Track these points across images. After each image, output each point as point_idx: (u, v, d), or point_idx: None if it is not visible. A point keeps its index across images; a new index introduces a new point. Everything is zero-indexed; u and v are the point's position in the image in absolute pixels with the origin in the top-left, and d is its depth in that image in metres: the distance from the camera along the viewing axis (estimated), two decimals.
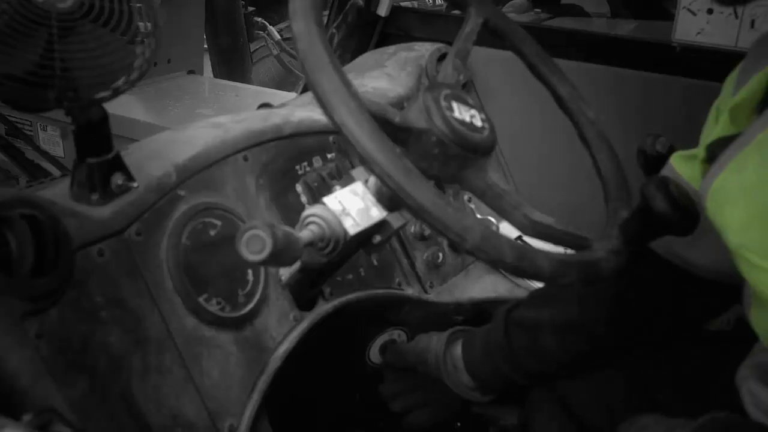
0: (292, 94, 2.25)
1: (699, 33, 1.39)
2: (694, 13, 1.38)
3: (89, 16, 0.86)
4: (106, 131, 0.93)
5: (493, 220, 1.43)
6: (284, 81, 3.69)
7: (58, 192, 0.95)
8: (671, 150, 1.07)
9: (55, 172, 2.16)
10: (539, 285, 1.41)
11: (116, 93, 0.89)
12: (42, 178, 2.12)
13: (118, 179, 0.96)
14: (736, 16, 1.35)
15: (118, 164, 0.96)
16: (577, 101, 1.04)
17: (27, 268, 0.81)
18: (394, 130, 0.82)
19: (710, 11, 1.37)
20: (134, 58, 0.89)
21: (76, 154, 0.94)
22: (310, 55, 0.74)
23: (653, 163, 0.98)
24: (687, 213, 0.86)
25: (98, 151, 0.94)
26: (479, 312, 1.42)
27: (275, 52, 3.72)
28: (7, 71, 0.81)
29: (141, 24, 0.91)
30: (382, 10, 1.69)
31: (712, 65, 1.39)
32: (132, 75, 0.88)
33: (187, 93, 2.53)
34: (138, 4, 0.90)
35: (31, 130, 2.44)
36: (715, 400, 0.92)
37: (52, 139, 2.43)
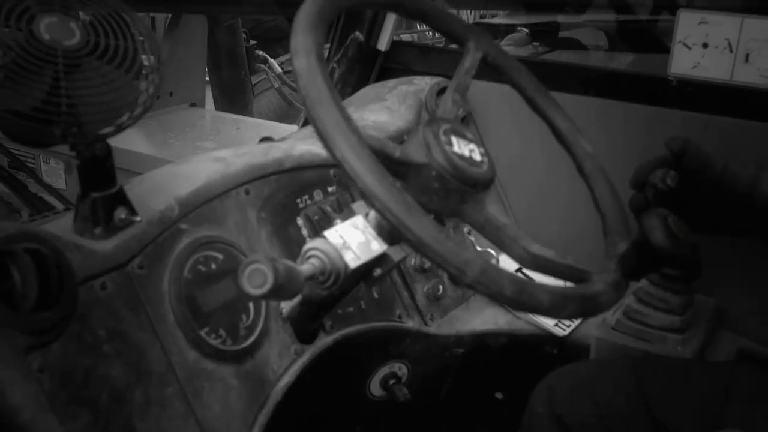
0: (293, 127, 2.27)
1: (695, 67, 1.41)
2: (689, 48, 1.40)
3: (95, 53, 0.88)
4: (110, 166, 0.94)
5: (493, 252, 1.44)
6: (285, 113, 3.72)
7: (61, 226, 0.96)
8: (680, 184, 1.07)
9: (57, 204, 2.17)
10: (540, 318, 1.41)
11: (119, 129, 0.90)
12: (44, 210, 2.13)
13: (121, 213, 0.96)
14: (731, 51, 1.37)
15: (122, 198, 0.97)
16: (575, 135, 1.05)
17: (30, 303, 0.82)
18: (394, 165, 0.84)
19: (705, 45, 1.39)
20: (138, 94, 0.90)
21: (80, 188, 0.95)
22: (311, 91, 0.75)
23: (662, 196, 0.98)
24: (685, 246, 0.87)
25: (102, 185, 0.95)
26: (480, 344, 1.43)
27: (276, 85, 3.75)
28: (13, 107, 0.82)
29: (145, 60, 0.92)
30: (382, 45, 1.71)
31: (709, 98, 1.41)
32: (136, 111, 0.90)
33: (189, 126, 2.56)
34: (142, 40, 0.92)
35: (33, 163, 2.46)
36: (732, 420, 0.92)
37: (55, 171, 2.44)
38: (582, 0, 2.45)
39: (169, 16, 2.79)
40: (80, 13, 0.91)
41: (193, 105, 2.78)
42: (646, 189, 1.00)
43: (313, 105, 0.74)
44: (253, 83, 3.68)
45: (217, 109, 3.31)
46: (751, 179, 0.96)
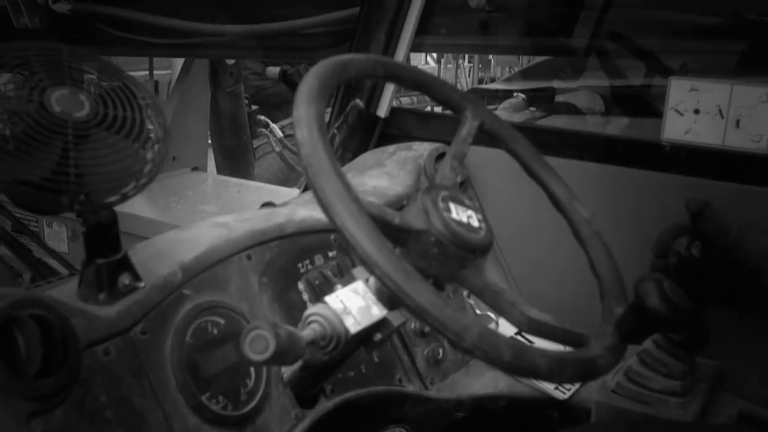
0: (294, 191, 2.30)
1: (687, 132, 1.44)
2: (681, 114, 1.44)
3: (103, 124, 0.90)
4: (115, 233, 0.96)
5: (492, 315, 1.44)
6: (286, 177, 3.76)
7: (66, 291, 0.97)
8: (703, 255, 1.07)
9: (59, 268, 2.19)
10: (540, 382, 1.41)
11: (125, 198, 0.92)
12: (46, 273, 2.15)
13: (125, 279, 0.98)
14: (722, 116, 1.41)
15: (126, 264, 0.98)
16: (571, 200, 1.08)
17: (34, 369, 0.83)
18: (393, 231, 0.86)
19: (697, 111, 1.43)
20: (144, 163, 0.93)
21: (85, 254, 0.97)
22: (312, 160, 0.77)
23: (685, 266, 0.99)
24: (681, 311, 0.88)
25: (107, 252, 0.96)
26: (480, 408, 1.42)
27: (277, 149, 3.81)
28: (23, 177, 0.85)
29: (152, 130, 0.95)
30: (382, 111, 1.75)
31: (702, 163, 1.44)
32: (141, 180, 0.92)
33: (191, 189, 2.59)
34: (149, 112, 0.95)
35: (36, 227, 2.48)
36: None
37: (57, 235, 2.46)
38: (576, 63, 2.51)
39: (173, 79, 2.85)
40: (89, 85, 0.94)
41: (195, 169, 2.82)
42: (669, 256, 1.00)
43: (314, 175, 0.76)
44: (254, 147, 3.73)
45: (219, 172, 3.35)
46: (764, 250, 0.98)
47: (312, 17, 2.07)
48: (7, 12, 2.41)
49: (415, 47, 1.74)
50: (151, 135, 0.95)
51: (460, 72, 10.38)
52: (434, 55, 10.30)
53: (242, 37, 2.25)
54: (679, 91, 1.44)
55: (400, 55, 1.71)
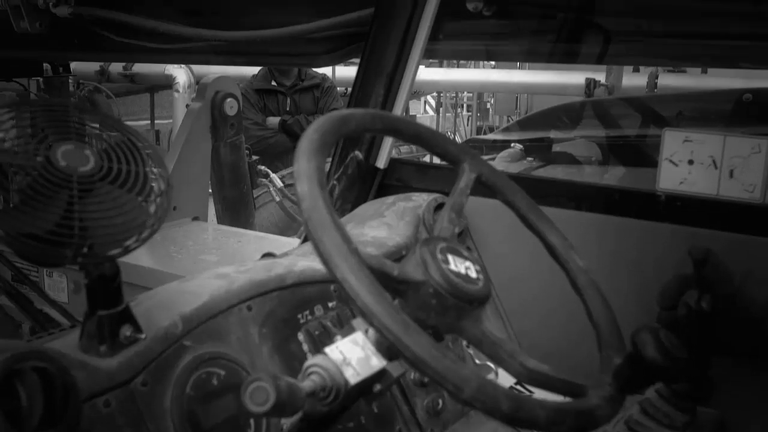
0: (294, 241, 2.31)
1: (682, 182, 1.46)
2: (675, 164, 1.46)
3: (107, 178, 0.92)
4: (118, 285, 0.97)
5: (491, 365, 1.45)
6: (287, 226, 3.78)
7: (67, 343, 0.98)
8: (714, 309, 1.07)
9: (59, 318, 2.19)
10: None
11: (127, 251, 0.93)
12: (46, 323, 2.15)
13: (126, 330, 0.99)
14: (716, 167, 1.43)
15: (128, 316, 0.99)
16: (568, 250, 1.09)
17: (35, 421, 0.83)
18: (392, 283, 0.87)
19: (691, 162, 1.45)
20: (147, 217, 0.94)
21: (87, 305, 0.98)
22: (313, 214, 0.79)
23: (695, 318, 0.99)
24: (677, 361, 0.89)
25: (109, 303, 0.97)
26: None
27: (278, 198, 3.84)
28: (28, 230, 0.86)
29: (155, 185, 0.97)
30: (381, 163, 1.78)
31: (697, 212, 1.46)
32: (143, 233, 0.93)
33: (192, 239, 2.60)
34: (151, 165, 0.97)
35: (37, 276, 2.49)
36: None
37: (58, 285, 2.47)
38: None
39: (174, 128, 2.88)
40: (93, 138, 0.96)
41: (195, 218, 2.83)
42: (678, 309, 1.01)
43: (314, 228, 0.77)
44: (254, 196, 3.76)
45: (219, 222, 3.37)
46: (765, 299, 0.99)
47: (309, 23, 2.07)
48: (7, 16, 2.41)
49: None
50: (154, 188, 0.97)
51: (459, 120, 10.50)
52: (433, 103, 10.43)
53: (241, 42, 2.25)
54: (673, 142, 1.46)
55: (406, 82, 1.73)
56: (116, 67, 7.96)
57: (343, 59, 2.26)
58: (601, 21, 1.89)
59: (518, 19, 1.97)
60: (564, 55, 2.21)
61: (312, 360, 0.90)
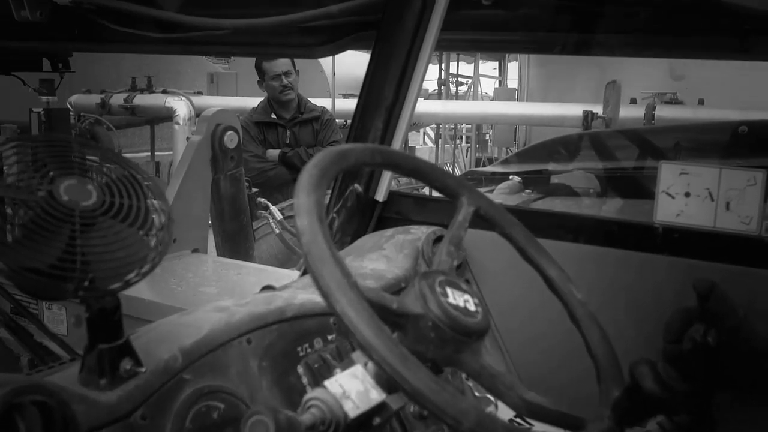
0: (294, 273, 2.31)
1: (679, 215, 1.47)
2: (672, 197, 1.47)
3: (109, 213, 0.93)
4: (118, 318, 0.98)
5: (491, 398, 1.44)
6: (286, 258, 3.78)
7: (67, 376, 0.98)
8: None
9: (58, 350, 2.18)
10: None
11: (128, 284, 0.94)
12: (45, 356, 2.15)
13: (126, 364, 0.99)
14: (712, 199, 1.44)
15: (128, 350, 0.99)
16: (566, 282, 1.10)
17: None
18: (391, 316, 0.87)
19: (687, 194, 1.46)
20: (148, 250, 0.95)
21: (87, 339, 0.98)
22: (312, 248, 0.80)
23: (701, 352, 0.99)
24: (676, 393, 0.89)
25: (109, 337, 0.98)
26: None
27: (277, 231, 3.84)
28: (30, 265, 0.87)
29: (156, 218, 0.98)
30: (380, 196, 1.79)
31: (694, 244, 1.46)
32: (144, 267, 0.94)
33: (192, 272, 2.60)
34: (154, 201, 0.98)
35: (36, 309, 2.48)
36: None
37: (57, 317, 2.47)
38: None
39: (175, 160, 2.90)
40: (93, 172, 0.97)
41: (195, 250, 2.84)
42: (684, 343, 1.01)
43: (314, 262, 0.78)
44: (254, 228, 3.76)
45: (219, 254, 3.38)
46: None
47: (309, 11, 2.06)
48: (8, 4, 2.39)
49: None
50: (155, 221, 0.98)
51: (458, 152, 10.56)
52: (432, 135, 10.49)
53: (242, 31, 2.23)
54: (670, 175, 1.48)
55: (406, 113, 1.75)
56: (117, 99, 8.04)
57: (342, 49, 2.25)
58: (609, 11, 1.87)
59: (517, 10, 1.97)
60: (568, 47, 2.20)
61: (311, 393, 0.90)
